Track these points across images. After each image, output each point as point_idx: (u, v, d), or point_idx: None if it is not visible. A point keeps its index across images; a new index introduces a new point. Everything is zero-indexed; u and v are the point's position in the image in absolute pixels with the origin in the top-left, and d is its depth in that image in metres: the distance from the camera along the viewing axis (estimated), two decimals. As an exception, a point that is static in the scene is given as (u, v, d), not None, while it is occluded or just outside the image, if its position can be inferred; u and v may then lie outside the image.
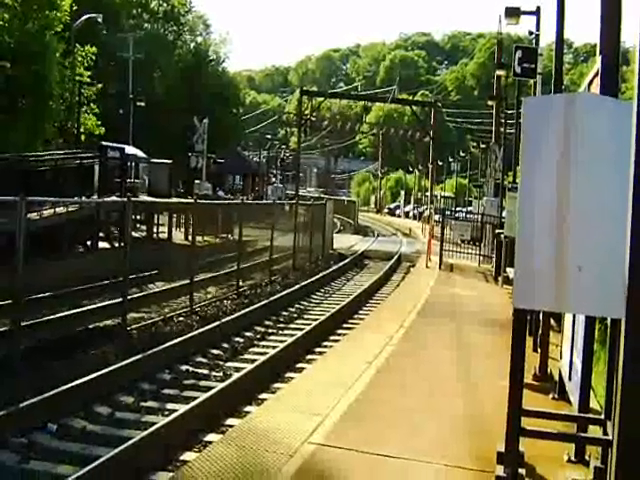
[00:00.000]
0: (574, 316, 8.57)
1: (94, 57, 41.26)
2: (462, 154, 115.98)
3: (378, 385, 11.03)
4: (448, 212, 49.22)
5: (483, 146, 77.19)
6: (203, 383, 14.03)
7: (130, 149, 41.20)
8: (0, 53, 32.39)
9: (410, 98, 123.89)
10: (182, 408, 11.58)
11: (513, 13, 27.41)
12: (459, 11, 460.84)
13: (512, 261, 6.98)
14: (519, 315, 6.73)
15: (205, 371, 15.00)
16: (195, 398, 12.32)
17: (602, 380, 7.82)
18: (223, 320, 19.20)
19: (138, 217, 36.70)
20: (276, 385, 13.81)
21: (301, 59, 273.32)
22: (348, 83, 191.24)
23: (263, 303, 22.26)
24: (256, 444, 8.08)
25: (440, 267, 31.07)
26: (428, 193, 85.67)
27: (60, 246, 27.11)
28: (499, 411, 7.03)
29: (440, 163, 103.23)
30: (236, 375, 14.05)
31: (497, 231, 29.79)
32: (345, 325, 20.63)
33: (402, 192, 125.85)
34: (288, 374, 14.77)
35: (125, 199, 21.08)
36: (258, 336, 18.87)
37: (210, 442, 9.73)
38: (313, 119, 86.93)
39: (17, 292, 13.98)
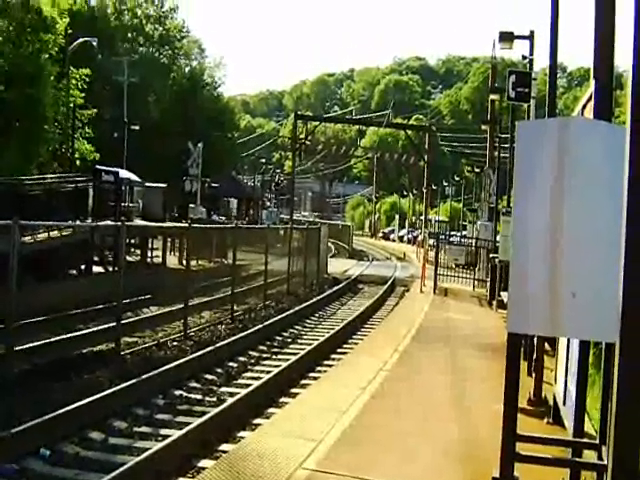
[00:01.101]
0: (568, 340, 8.56)
1: (89, 80, 41.28)
2: (456, 178, 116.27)
3: (372, 410, 11.00)
4: (442, 236, 49.35)
5: (477, 170, 77.38)
6: (197, 408, 13.98)
7: (124, 173, 41.17)
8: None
9: (404, 122, 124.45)
10: (176, 434, 11.53)
11: (507, 38, 27.53)
12: (453, 36, 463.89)
13: (506, 285, 6.96)
14: (513, 340, 6.70)
15: (199, 396, 14.95)
16: (189, 423, 12.26)
17: (597, 404, 7.80)
18: (217, 345, 19.15)
19: (132, 241, 36.63)
20: (270, 410, 13.78)
21: (296, 83, 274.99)
22: (343, 107, 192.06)
23: (257, 328, 22.21)
24: (250, 469, 8.03)
25: (434, 291, 31.08)
26: (422, 217, 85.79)
27: (54, 270, 27.05)
28: (493, 436, 6.99)
29: (434, 187, 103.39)
30: (230, 400, 14.01)
31: (491, 255, 29.82)
32: (339, 350, 20.60)
33: (397, 216, 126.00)
34: (282, 399, 14.75)
35: (119, 223, 21.07)
36: (252, 361, 18.84)
37: (204, 468, 9.68)
38: (308, 143, 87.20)
39: (10, 316, 13.93)
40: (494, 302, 26.23)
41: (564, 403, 8.89)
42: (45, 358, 16.21)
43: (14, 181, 29.57)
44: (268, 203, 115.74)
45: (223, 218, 60.67)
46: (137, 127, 55.03)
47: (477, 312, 26.33)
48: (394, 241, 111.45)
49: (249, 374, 17.39)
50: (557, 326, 6.12)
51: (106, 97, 56.04)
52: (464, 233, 66.46)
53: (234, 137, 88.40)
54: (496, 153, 42.40)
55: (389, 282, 40.51)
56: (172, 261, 39.21)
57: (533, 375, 12.13)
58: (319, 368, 18.01)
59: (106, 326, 19.17)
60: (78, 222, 29.30)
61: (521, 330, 6.65)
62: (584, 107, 8.43)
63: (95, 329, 19.69)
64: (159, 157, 62.04)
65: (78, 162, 41.75)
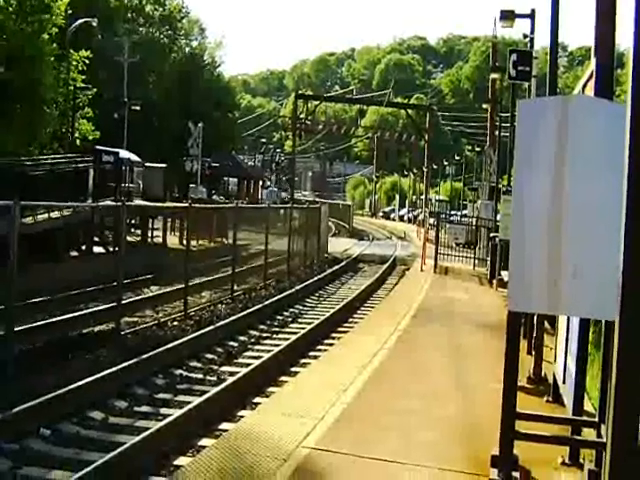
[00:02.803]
0: (568, 319, 8.56)
1: (89, 61, 41.09)
2: (457, 157, 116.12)
3: (372, 388, 11.01)
4: (443, 215, 49.31)
5: (478, 149, 77.34)
6: (197, 387, 14.00)
7: (124, 153, 41.13)
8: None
9: (405, 102, 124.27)
10: (176, 412, 11.56)
11: (508, 16, 27.47)
12: (454, 14, 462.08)
13: (506, 264, 6.95)
14: (513, 318, 6.71)
15: (199, 375, 14.97)
16: (189, 402, 12.28)
17: (596, 383, 7.81)
18: (218, 324, 19.16)
19: (133, 221, 36.61)
20: (270, 389, 13.77)
21: (296, 63, 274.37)
22: (343, 87, 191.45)
23: (257, 307, 22.22)
24: (250, 448, 8.05)
25: (435, 270, 31.05)
26: (423, 196, 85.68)
27: (55, 250, 27.03)
28: (493, 414, 7.01)
29: (435, 166, 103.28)
30: (230, 379, 14.03)
31: (492, 234, 29.78)
32: (340, 329, 20.59)
33: (397, 196, 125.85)
34: (282, 378, 14.76)
35: (120, 203, 21.04)
36: (253, 340, 18.85)
37: (204, 447, 9.69)
38: (308, 123, 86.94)
39: (10, 297, 13.92)
40: (494, 281, 26.22)
41: (564, 381, 8.91)
42: (46, 339, 16.24)
43: (14, 162, 29.51)
44: (268, 183, 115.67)
45: (223, 198, 60.65)
46: (138, 107, 54.86)
47: (477, 291, 26.33)
48: (394, 220, 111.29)
49: (249, 353, 17.41)
50: (557, 304, 6.13)
51: (106, 77, 55.73)
52: (464, 212, 66.42)
53: (235, 117, 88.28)
54: (497, 132, 42.34)
55: (389, 261, 40.44)
56: (173, 241, 39.18)
57: (533, 353, 12.14)
58: (319, 347, 18.01)
59: (107, 306, 19.20)
60: (78, 203, 29.27)
61: (522, 308, 6.67)
62: (585, 86, 8.41)
63: (96, 309, 19.70)
64: (160, 137, 61.99)
65: (78, 142, 41.59)
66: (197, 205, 29.75)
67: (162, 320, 19.88)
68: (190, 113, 59.88)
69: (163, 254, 33.36)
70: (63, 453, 10.16)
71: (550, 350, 11.48)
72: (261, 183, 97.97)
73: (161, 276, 26.11)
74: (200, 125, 50.66)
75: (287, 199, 73.81)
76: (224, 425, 11.44)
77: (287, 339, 18.34)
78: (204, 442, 10.52)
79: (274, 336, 19.63)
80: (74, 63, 40.47)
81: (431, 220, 45.86)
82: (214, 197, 58.79)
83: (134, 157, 42.56)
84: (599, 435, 6.89)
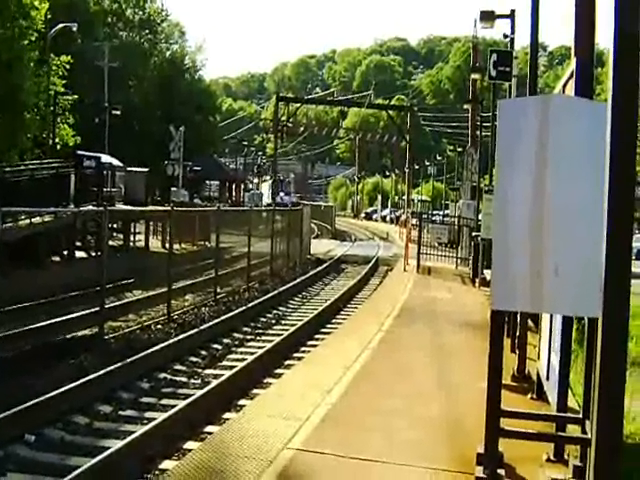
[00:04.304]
0: (551, 316, 8.59)
1: (69, 66, 40.94)
2: (439, 157, 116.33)
3: (356, 389, 11.00)
4: (425, 215, 49.36)
5: (459, 149, 77.45)
6: (181, 391, 13.98)
7: (106, 158, 41.04)
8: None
9: (386, 103, 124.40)
10: (161, 416, 11.54)
11: (488, 17, 27.57)
12: (434, 16, 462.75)
13: (489, 263, 6.98)
14: (496, 316, 6.72)
15: (183, 379, 14.95)
16: (174, 406, 12.26)
17: (580, 379, 7.83)
18: (201, 327, 19.15)
19: (115, 226, 36.53)
20: (255, 391, 13.78)
21: (277, 65, 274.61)
22: (324, 89, 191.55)
23: (241, 310, 22.21)
24: (235, 451, 8.03)
25: (418, 270, 31.03)
26: (405, 197, 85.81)
27: (37, 256, 26.94)
28: (478, 412, 7.02)
29: (417, 167, 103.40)
30: (214, 382, 14.02)
31: (474, 234, 29.80)
32: (323, 330, 20.62)
33: (379, 196, 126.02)
34: (267, 380, 14.77)
35: (102, 208, 21.00)
36: (236, 343, 18.84)
37: (189, 450, 9.68)
38: (290, 125, 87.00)
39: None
40: (477, 280, 26.24)
41: (548, 378, 8.92)
42: (28, 345, 16.19)
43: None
44: (250, 185, 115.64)
45: (205, 202, 60.62)
46: (118, 112, 54.75)
47: (460, 290, 26.33)
48: (377, 221, 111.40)
49: (233, 356, 17.40)
50: (540, 302, 6.15)
51: (87, 82, 55.56)
52: (446, 212, 66.50)
53: (216, 120, 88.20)
54: (478, 132, 42.44)
55: (372, 262, 40.51)
56: (155, 245, 39.13)
57: (516, 352, 12.15)
58: (303, 348, 18.03)
59: (90, 311, 19.14)
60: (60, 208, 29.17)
61: (505, 307, 6.69)
62: (565, 85, 8.43)
63: (79, 314, 19.63)
64: (141, 141, 61.91)
65: (59, 147, 41.41)
66: (179, 209, 29.71)
67: (146, 324, 19.85)
68: (171, 117, 59.90)
69: (146, 258, 33.30)
70: (48, 459, 10.13)
71: (534, 348, 11.50)
72: (243, 186, 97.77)
73: (144, 280, 26.05)
74: (181, 129, 50.65)
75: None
76: (209, 428, 11.44)
77: (271, 341, 18.34)
78: (189, 445, 10.52)
79: (258, 338, 19.64)
80: (54, 68, 40.35)
81: (413, 220, 45.89)
82: (196, 200, 58.72)
83: (115, 161, 42.48)
84: (584, 431, 6.91)
